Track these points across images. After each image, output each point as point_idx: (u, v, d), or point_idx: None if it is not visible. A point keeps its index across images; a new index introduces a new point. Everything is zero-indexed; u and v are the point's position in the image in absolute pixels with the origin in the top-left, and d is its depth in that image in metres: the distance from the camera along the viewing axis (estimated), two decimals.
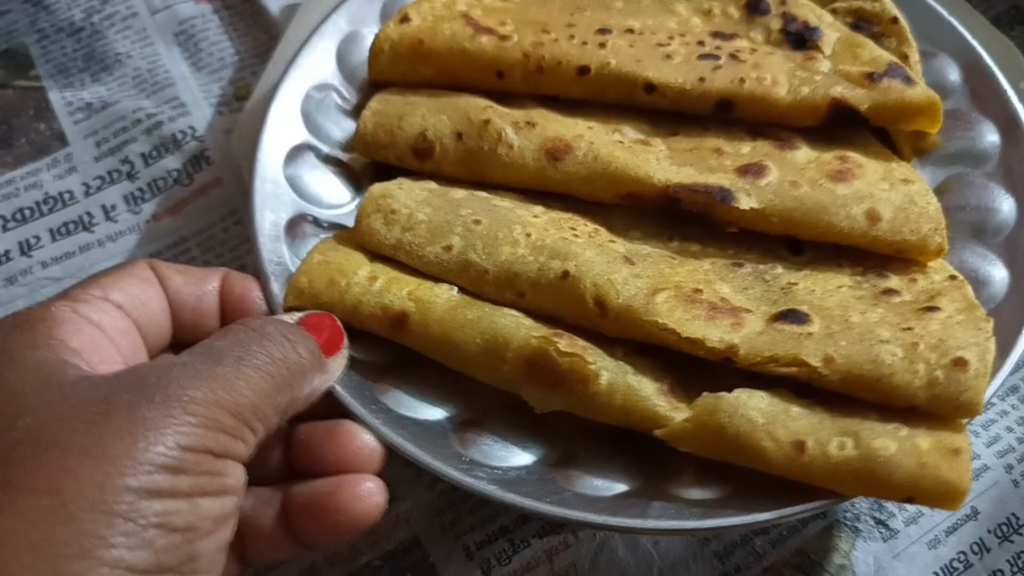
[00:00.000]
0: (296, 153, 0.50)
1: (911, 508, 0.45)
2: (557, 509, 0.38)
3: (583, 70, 0.49)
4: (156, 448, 0.31)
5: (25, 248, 0.57)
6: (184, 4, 0.67)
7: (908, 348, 0.38)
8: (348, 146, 0.51)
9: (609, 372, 0.40)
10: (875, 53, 0.49)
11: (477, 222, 0.45)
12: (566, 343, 0.40)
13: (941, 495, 0.36)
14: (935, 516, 0.45)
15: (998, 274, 0.44)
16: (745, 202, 0.44)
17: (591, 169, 0.46)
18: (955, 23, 0.53)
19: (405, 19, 0.52)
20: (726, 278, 0.43)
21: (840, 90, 0.47)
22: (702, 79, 0.48)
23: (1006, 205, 0.46)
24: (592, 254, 0.43)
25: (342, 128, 0.52)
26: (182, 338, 0.41)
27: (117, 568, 0.29)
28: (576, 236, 0.44)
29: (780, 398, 0.38)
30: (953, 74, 0.51)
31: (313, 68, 0.53)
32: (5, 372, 0.33)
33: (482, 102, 0.50)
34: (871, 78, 0.48)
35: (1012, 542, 0.45)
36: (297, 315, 0.41)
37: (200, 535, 0.31)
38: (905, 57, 0.51)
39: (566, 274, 0.42)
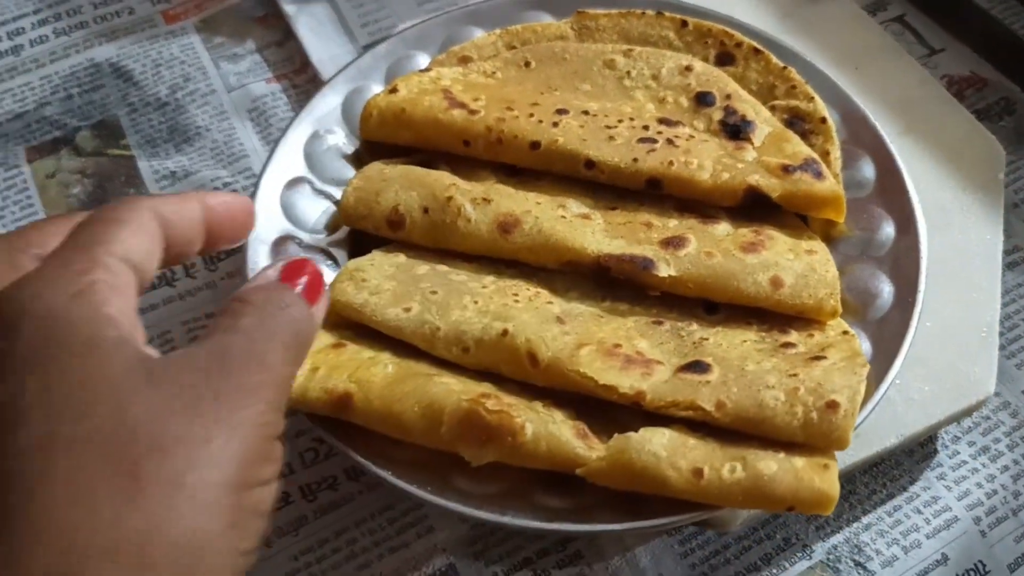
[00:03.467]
0: (294, 183, 0.59)
1: (886, 552, 0.51)
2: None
3: (534, 145, 0.56)
4: (251, 442, 0.33)
5: None
6: (256, 83, 0.75)
7: (790, 393, 0.45)
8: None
9: (533, 423, 0.45)
10: (797, 148, 0.56)
11: (434, 292, 0.52)
12: (493, 402, 0.46)
13: (816, 502, 0.42)
14: (908, 560, 0.51)
15: (866, 347, 0.50)
16: (664, 270, 0.51)
17: (535, 240, 0.53)
18: (876, 127, 0.59)
19: (394, 90, 0.59)
20: (646, 334, 0.50)
21: (756, 178, 0.54)
22: (635, 159, 0.55)
23: (885, 291, 0.52)
24: (528, 316, 0.50)
25: (335, 168, 0.61)
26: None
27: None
28: (517, 302, 0.51)
29: (679, 433, 0.45)
30: (869, 172, 0.57)
31: (320, 115, 0.62)
32: (91, 362, 0.32)
33: (447, 179, 0.56)
34: (786, 170, 0.54)
35: None
36: (279, 266, 0.41)
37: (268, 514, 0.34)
38: (827, 154, 0.57)
39: (505, 332, 0.49)
